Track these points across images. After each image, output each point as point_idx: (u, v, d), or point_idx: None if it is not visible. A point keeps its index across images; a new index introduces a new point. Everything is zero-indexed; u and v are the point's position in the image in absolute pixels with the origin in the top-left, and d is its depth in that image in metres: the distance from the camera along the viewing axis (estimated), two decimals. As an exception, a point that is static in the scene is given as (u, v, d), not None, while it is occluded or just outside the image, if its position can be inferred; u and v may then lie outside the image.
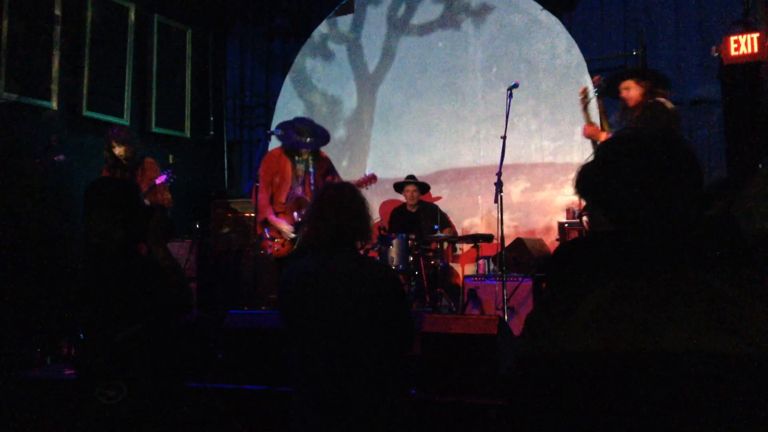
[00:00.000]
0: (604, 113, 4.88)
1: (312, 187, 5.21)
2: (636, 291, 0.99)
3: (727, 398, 0.89)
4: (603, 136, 4.63)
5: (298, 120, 5.42)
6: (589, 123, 4.84)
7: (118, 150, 5.57)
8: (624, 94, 4.64)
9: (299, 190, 5.21)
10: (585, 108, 4.84)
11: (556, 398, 0.99)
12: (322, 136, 5.35)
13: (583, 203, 1.25)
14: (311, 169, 5.26)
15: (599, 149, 1.24)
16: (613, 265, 1.05)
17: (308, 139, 5.19)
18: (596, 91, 4.93)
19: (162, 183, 5.53)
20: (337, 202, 2.48)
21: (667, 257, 1.02)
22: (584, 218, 1.26)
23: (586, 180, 1.21)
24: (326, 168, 5.37)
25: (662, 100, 4.53)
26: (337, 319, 2.32)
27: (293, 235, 5.12)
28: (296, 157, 5.26)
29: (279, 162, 5.27)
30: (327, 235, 2.44)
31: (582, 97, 4.88)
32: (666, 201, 1.09)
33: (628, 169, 1.14)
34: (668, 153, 1.13)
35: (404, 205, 6.62)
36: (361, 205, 2.53)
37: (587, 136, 4.80)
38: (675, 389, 0.90)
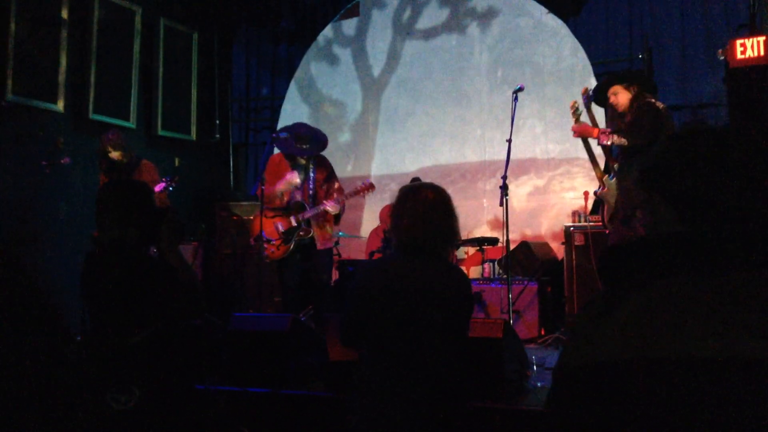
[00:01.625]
0: (594, 123, 4.86)
1: (310, 192, 5.24)
2: (697, 291, 0.97)
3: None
4: (596, 132, 4.57)
5: (298, 125, 5.44)
6: (588, 130, 4.79)
7: (115, 154, 5.53)
8: (612, 100, 4.60)
9: (298, 195, 5.23)
10: (577, 120, 4.83)
11: (592, 407, 0.97)
12: (320, 141, 5.36)
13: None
14: (311, 174, 5.28)
15: (668, 142, 1.18)
16: (679, 265, 1.01)
17: (306, 146, 5.22)
18: (586, 103, 4.93)
19: (160, 191, 5.48)
20: (439, 205, 2.40)
21: (740, 257, 0.99)
22: (638, 215, 1.23)
23: (656, 174, 1.16)
24: (327, 173, 5.39)
25: (652, 99, 4.48)
26: (418, 326, 2.26)
27: (297, 181, 5.12)
28: (295, 163, 5.28)
29: (279, 168, 5.30)
30: (426, 239, 2.35)
31: (573, 110, 4.88)
32: (744, 197, 1.06)
33: (703, 162, 1.10)
34: (744, 147, 1.10)
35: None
36: (450, 209, 2.45)
37: (579, 134, 4.74)
38: (723, 397, 0.87)
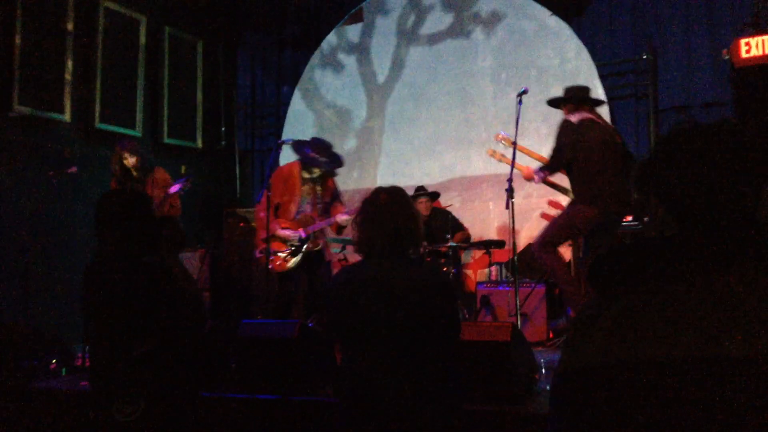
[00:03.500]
0: (524, 152, 5.31)
1: (319, 205, 5.28)
2: (682, 295, 0.96)
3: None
4: (525, 172, 4.96)
5: (316, 139, 5.51)
6: (520, 166, 5.05)
7: (131, 161, 5.59)
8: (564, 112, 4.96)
9: (308, 208, 5.27)
10: (501, 160, 5.32)
11: (584, 411, 0.97)
12: (338, 158, 5.47)
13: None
14: (319, 187, 5.33)
15: (658, 143, 1.18)
16: (664, 269, 1.01)
17: (324, 159, 5.26)
18: (504, 144, 5.37)
19: (175, 192, 5.56)
20: (392, 206, 2.44)
21: (725, 258, 0.99)
22: (645, 219, 1.23)
23: (648, 176, 1.15)
24: (332, 194, 5.44)
25: (568, 117, 4.80)
26: (394, 326, 2.27)
27: (299, 243, 5.18)
28: (307, 175, 5.30)
29: (289, 179, 5.31)
30: (382, 241, 2.39)
31: (497, 158, 5.39)
32: (733, 196, 1.05)
33: (689, 161, 1.09)
34: (732, 144, 1.08)
35: (416, 212, 6.60)
36: (413, 209, 2.51)
37: (528, 178, 5.02)
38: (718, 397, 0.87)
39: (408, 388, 2.25)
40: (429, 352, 2.31)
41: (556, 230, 4.72)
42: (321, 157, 5.26)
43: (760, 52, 5.01)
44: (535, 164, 5.14)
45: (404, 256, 2.42)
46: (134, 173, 5.65)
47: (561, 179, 5.25)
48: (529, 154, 5.42)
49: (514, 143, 4.84)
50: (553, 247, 4.69)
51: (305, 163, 5.29)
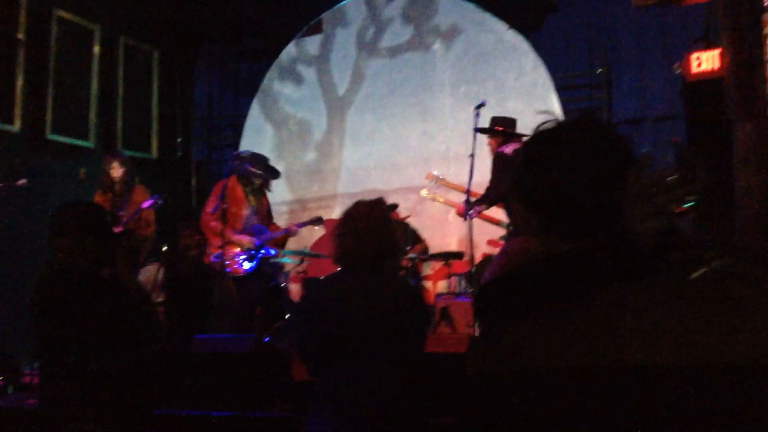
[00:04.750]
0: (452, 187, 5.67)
1: (264, 217, 5.46)
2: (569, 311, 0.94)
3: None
4: (458, 209, 5.18)
5: (254, 154, 5.67)
6: (453, 203, 5.39)
7: (118, 171, 5.62)
8: (489, 143, 5.29)
9: (254, 219, 5.38)
10: (435, 200, 5.74)
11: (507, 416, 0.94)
12: (274, 170, 5.66)
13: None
14: (261, 200, 5.53)
15: (521, 150, 1.10)
16: (554, 289, 0.95)
17: (260, 171, 5.43)
18: (433, 183, 5.83)
19: (148, 207, 5.50)
20: (373, 219, 2.42)
21: (606, 273, 0.94)
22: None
23: (514, 186, 1.08)
24: (267, 209, 5.63)
25: (502, 150, 5.05)
26: (367, 341, 2.25)
27: (254, 250, 5.24)
28: (248, 187, 5.44)
29: (234, 192, 5.43)
30: (363, 254, 2.36)
31: (432, 198, 5.82)
32: (593, 194, 0.99)
33: (545, 162, 1.03)
34: (587, 139, 1.03)
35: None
36: (392, 223, 2.49)
37: (461, 214, 5.19)
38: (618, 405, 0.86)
39: (383, 402, 2.23)
40: (404, 366, 2.29)
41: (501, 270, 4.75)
42: (256, 168, 5.41)
43: (711, 67, 5.13)
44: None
45: (382, 271, 2.40)
46: (117, 186, 5.59)
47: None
48: (457, 188, 5.60)
49: (472, 155, 4.85)
50: None
51: (243, 176, 5.42)
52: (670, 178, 0.95)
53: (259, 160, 5.49)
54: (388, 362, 2.26)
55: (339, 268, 2.47)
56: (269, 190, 5.66)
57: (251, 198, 5.42)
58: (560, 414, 0.89)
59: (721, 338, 0.85)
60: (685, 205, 0.95)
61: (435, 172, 5.85)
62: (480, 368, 0.99)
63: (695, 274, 0.89)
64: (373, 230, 2.38)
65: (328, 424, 2.27)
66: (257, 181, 5.44)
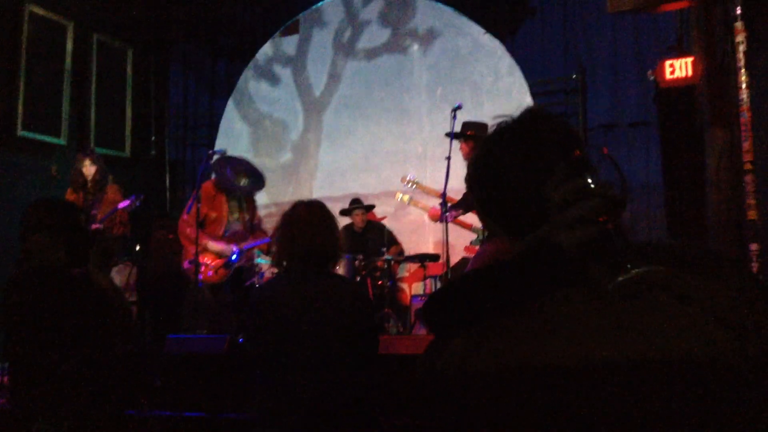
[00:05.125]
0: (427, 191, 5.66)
1: (247, 224, 5.33)
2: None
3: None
4: (430, 213, 5.22)
5: (237, 160, 5.47)
6: (427, 207, 5.44)
7: (90, 169, 5.53)
8: (460, 148, 5.16)
9: (237, 226, 5.24)
10: (411, 204, 5.85)
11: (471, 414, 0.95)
12: (259, 182, 5.45)
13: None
14: (244, 207, 5.38)
15: (478, 150, 1.11)
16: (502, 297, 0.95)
17: (243, 182, 5.26)
18: (410, 186, 5.88)
19: (124, 208, 5.40)
20: (308, 220, 2.42)
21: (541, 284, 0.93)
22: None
23: (468, 189, 1.08)
24: (252, 213, 5.50)
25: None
26: (312, 340, 2.26)
27: (234, 256, 5.12)
28: (231, 194, 5.32)
29: (215, 198, 5.29)
30: (298, 255, 2.38)
31: (408, 201, 5.86)
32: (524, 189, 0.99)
33: (485, 158, 1.04)
34: (525, 133, 1.04)
35: (351, 225, 6.59)
36: (332, 223, 2.49)
37: (434, 218, 5.23)
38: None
39: (328, 402, 2.23)
40: (347, 365, 2.30)
41: None
42: (239, 181, 5.26)
43: (684, 74, 5.19)
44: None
45: (322, 271, 2.41)
46: (89, 184, 5.51)
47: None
48: (432, 192, 5.62)
49: (448, 158, 4.86)
50: None
51: (222, 182, 5.26)
52: (592, 188, 0.93)
53: (243, 170, 5.32)
54: (330, 362, 2.27)
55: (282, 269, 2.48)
56: (253, 199, 5.54)
57: (233, 203, 5.28)
58: (498, 415, 0.90)
59: (632, 339, 0.86)
60: (606, 217, 0.92)
61: (410, 176, 5.86)
62: (426, 370, 0.99)
63: (612, 284, 0.90)
64: (309, 230, 2.39)
65: (272, 424, 2.28)
66: (237, 192, 5.30)
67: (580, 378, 0.86)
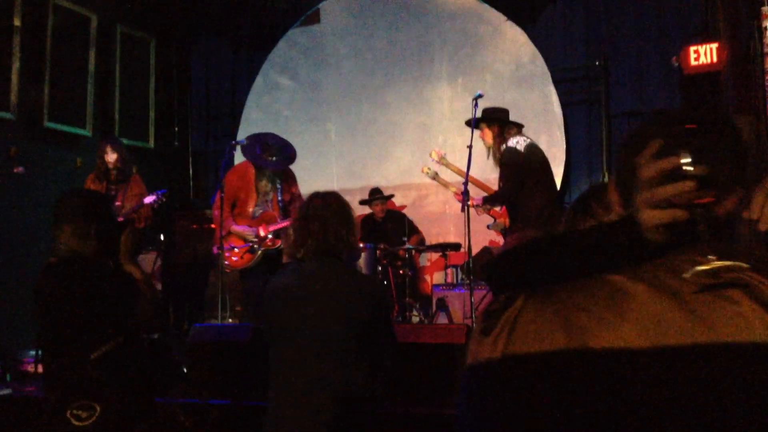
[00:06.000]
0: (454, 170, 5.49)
1: (279, 204, 5.12)
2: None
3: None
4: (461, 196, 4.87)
5: (268, 136, 5.27)
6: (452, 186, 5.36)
7: (112, 157, 5.54)
8: (481, 135, 4.98)
9: (267, 206, 5.10)
10: (435, 179, 5.73)
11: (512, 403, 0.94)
12: (288, 156, 5.19)
13: None
14: (278, 186, 5.15)
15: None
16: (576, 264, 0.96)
17: (273, 158, 5.07)
18: (437, 161, 5.64)
19: (150, 203, 5.45)
20: (323, 212, 2.43)
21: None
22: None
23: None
24: (291, 196, 5.24)
25: (512, 144, 4.78)
26: (323, 332, 2.28)
27: (255, 240, 5.04)
28: (260, 172, 5.13)
29: (245, 177, 5.14)
30: (314, 246, 2.40)
31: (432, 176, 5.72)
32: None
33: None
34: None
35: (372, 214, 6.61)
36: (348, 215, 2.50)
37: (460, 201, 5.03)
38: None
39: (336, 393, 2.25)
40: (360, 356, 2.31)
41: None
42: (269, 156, 5.07)
43: (708, 60, 5.14)
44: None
45: (336, 261, 2.43)
46: (112, 173, 5.54)
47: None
48: (458, 172, 5.39)
49: (470, 147, 4.84)
50: None
51: (254, 164, 5.18)
52: (687, 168, 0.88)
53: (273, 146, 5.10)
54: (345, 350, 2.28)
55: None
56: (292, 177, 5.28)
57: (262, 184, 5.10)
58: (564, 399, 0.89)
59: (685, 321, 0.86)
60: (702, 200, 0.88)
61: (442, 152, 5.67)
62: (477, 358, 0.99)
63: (690, 272, 0.88)
64: (323, 220, 2.41)
65: (281, 415, 2.30)
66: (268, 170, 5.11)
67: (648, 364, 0.85)
